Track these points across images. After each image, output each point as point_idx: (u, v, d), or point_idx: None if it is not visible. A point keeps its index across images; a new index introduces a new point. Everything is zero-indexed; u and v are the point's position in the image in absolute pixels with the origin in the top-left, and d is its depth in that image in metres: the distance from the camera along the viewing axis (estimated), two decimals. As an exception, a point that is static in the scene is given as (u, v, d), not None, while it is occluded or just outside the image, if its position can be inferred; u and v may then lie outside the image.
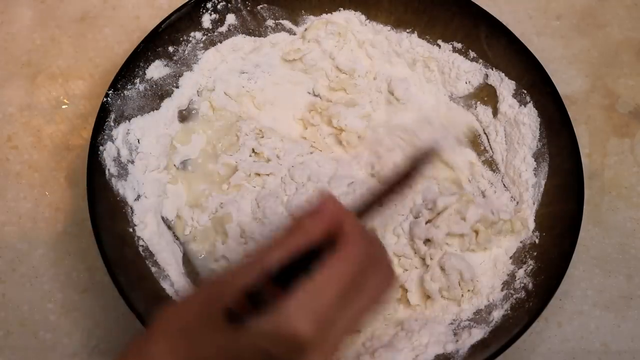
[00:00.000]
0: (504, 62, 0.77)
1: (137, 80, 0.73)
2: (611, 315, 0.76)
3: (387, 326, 0.71)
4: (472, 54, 0.79)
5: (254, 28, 0.80)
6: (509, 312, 0.68)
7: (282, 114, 0.80)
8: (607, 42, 0.91)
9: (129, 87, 0.72)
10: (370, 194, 0.57)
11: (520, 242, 0.73)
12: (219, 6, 0.77)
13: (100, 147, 0.69)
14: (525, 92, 0.76)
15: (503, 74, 0.77)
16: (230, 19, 0.78)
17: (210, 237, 0.73)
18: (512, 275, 0.71)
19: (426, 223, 0.73)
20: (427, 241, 0.73)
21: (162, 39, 0.74)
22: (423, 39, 0.81)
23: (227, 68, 0.80)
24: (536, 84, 0.75)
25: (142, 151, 0.73)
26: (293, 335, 0.43)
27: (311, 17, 0.81)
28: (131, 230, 0.70)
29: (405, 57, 0.81)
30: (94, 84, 0.85)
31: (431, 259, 0.72)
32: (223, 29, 0.78)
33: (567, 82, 0.87)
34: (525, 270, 0.70)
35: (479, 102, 0.80)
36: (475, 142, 0.80)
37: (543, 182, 0.73)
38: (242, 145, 0.76)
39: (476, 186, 0.78)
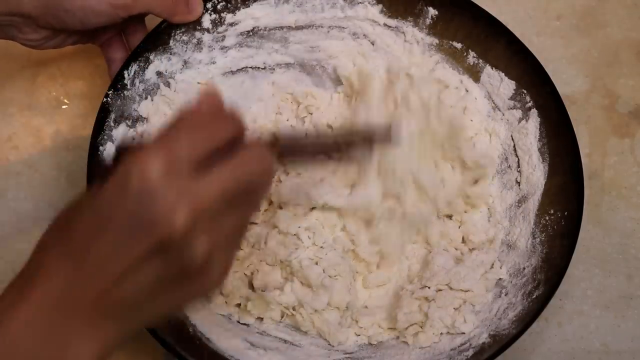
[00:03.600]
0: (504, 62, 0.77)
1: (137, 81, 0.73)
2: (611, 315, 0.76)
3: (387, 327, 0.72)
4: (472, 53, 0.79)
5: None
6: (508, 312, 0.68)
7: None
8: (607, 42, 0.91)
9: (129, 87, 0.72)
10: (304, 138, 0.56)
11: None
12: (218, 6, 0.77)
13: (100, 147, 0.69)
14: (525, 92, 0.76)
15: (503, 74, 0.77)
16: (230, 18, 0.78)
17: None
18: (512, 275, 0.71)
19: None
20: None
21: (162, 39, 0.74)
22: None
23: (227, 68, 0.80)
24: (536, 84, 0.75)
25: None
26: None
27: (311, 16, 0.81)
28: (131, 230, 0.70)
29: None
30: (94, 84, 0.85)
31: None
32: (223, 28, 0.78)
33: (567, 82, 0.87)
34: (524, 270, 0.70)
35: (479, 102, 0.80)
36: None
37: (543, 182, 0.73)
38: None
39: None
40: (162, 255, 0.41)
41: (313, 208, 0.73)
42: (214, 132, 0.44)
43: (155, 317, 0.46)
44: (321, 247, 0.72)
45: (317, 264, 0.70)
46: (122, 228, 0.41)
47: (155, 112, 0.74)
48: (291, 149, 0.55)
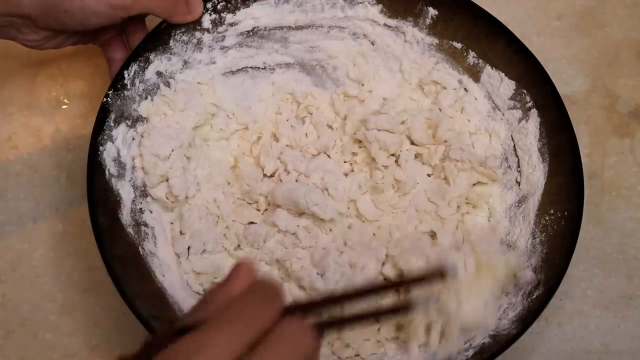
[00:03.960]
0: (504, 62, 0.77)
1: (137, 81, 0.73)
2: (611, 315, 0.76)
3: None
4: (472, 53, 0.79)
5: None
6: (508, 312, 0.68)
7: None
8: (607, 42, 0.91)
9: (129, 87, 0.72)
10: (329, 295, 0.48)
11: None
12: (218, 6, 0.77)
13: (100, 147, 0.69)
14: (525, 92, 0.76)
15: (503, 74, 0.77)
16: (230, 18, 0.78)
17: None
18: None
19: None
20: None
21: (162, 39, 0.74)
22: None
23: (227, 68, 0.80)
24: (536, 84, 0.75)
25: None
26: None
27: (311, 16, 0.81)
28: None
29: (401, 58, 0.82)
30: (94, 84, 0.85)
31: None
32: (223, 28, 0.78)
33: (567, 82, 0.87)
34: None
35: (479, 102, 0.80)
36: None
37: (543, 182, 0.73)
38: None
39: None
40: None
41: (302, 213, 0.73)
42: (252, 323, 0.40)
43: None
44: (317, 246, 0.72)
45: (312, 265, 0.70)
46: None
47: (156, 112, 0.74)
48: (334, 319, 0.47)
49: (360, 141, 0.78)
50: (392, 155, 0.77)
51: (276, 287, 0.43)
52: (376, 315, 0.49)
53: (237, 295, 0.42)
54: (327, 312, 0.46)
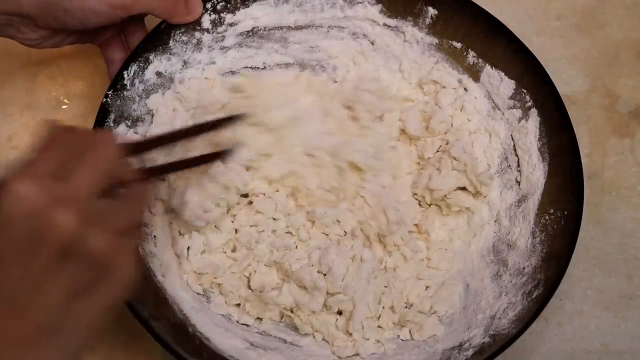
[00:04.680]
0: (504, 62, 0.77)
1: (137, 81, 0.73)
2: (611, 315, 0.76)
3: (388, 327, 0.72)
4: (471, 53, 0.79)
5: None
6: (508, 312, 0.68)
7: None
8: (607, 42, 0.91)
9: (128, 87, 0.72)
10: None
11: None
12: (218, 6, 0.77)
13: (100, 147, 0.69)
14: (525, 92, 0.76)
15: (503, 74, 0.77)
16: (230, 18, 0.78)
17: None
18: (512, 275, 0.71)
19: None
20: None
21: (161, 39, 0.74)
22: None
23: (227, 68, 0.80)
24: (536, 84, 0.75)
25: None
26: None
27: (311, 16, 0.81)
28: (131, 230, 0.70)
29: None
30: (94, 84, 0.85)
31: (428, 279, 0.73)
32: (222, 29, 0.78)
33: (567, 82, 0.87)
34: (524, 270, 0.70)
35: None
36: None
37: (543, 182, 0.73)
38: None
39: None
40: (65, 260, 0.44)
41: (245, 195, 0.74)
42: (59, 144, 0.48)
43: (84, 334, 0.47)
44: (310, 244, 0.72)
45: (311, 264, 0.70)
46: (16, 252, 0.43)
47: (164, 106, 0.75)
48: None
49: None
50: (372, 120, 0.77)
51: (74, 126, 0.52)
52: (193, 162, 0.65)
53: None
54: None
